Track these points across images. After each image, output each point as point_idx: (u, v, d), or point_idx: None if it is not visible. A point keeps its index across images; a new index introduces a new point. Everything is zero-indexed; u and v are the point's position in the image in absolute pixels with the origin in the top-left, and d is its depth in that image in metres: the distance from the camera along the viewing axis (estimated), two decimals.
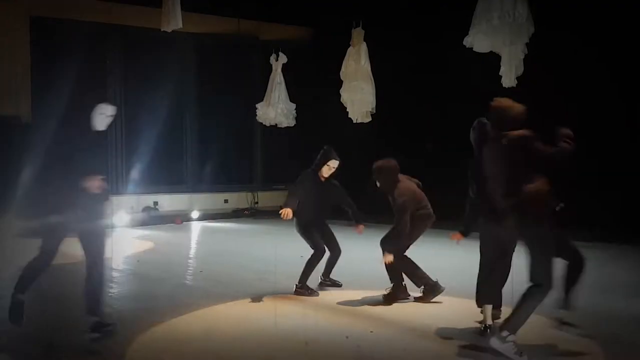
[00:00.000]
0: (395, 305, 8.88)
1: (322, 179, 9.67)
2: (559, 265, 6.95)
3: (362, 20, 16.07)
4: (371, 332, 7.45)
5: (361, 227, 9.69)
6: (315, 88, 20.06)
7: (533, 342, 6.82)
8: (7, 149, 16.66)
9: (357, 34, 16.09)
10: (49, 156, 7.39)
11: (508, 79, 11.34)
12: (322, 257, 9.56)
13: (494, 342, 6.41)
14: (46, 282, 10.58)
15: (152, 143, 19.98)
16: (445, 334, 7.38)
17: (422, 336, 7.34)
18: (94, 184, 7.10)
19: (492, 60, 11.48)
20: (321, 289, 9.71)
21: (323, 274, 9.91)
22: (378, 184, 8.97)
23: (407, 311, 8.51)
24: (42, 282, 10.57)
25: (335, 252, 9.78)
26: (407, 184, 8.97)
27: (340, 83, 16.16)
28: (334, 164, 9.63)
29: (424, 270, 9.07)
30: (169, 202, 21.27)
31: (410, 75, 17.78)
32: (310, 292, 9.42)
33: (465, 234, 7.86)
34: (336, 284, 9.89)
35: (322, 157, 9.66)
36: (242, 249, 14.35)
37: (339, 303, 9.00)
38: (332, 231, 9.84)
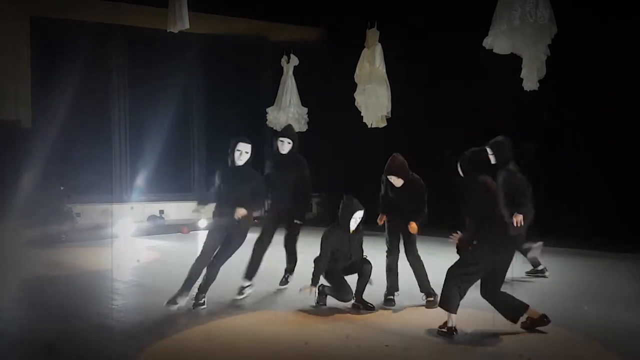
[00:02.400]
0: (404, 314, 8.98)
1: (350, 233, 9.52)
2: None
3: (377, 20, 16.09)
4: (386, 346, 7.50)
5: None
6: (328, 91, 20.12)
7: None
8: (6, 155, 16.74)
9: (372, 34, 16.11)
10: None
11: (530, 81, 11.36)
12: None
13: None
14: (46, 292, 10.75)
15: (158, 149, 20.07)
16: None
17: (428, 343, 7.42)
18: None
19: (513, 62, 11.51)
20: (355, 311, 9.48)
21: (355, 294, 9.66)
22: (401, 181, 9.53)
23: (417, 319, 8.57)
24: (43, 293, 10.72)
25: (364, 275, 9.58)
26: None
27: (354, 86, 16.18)
28: (359, 215, 9.46)
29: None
30: (175, 210, 21.34)
31: (427, 78, 17.78)
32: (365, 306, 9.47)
33: None
34: (368, 307, 9.44)
35: (347, 212, 9.45)
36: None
37: (346, 314, 9.10)
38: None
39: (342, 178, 20.63)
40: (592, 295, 10.34)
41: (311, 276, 9.24)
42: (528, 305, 8.00)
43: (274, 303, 9.71)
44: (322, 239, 9.42)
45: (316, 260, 9.37)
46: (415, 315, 9.13)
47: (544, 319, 7.90)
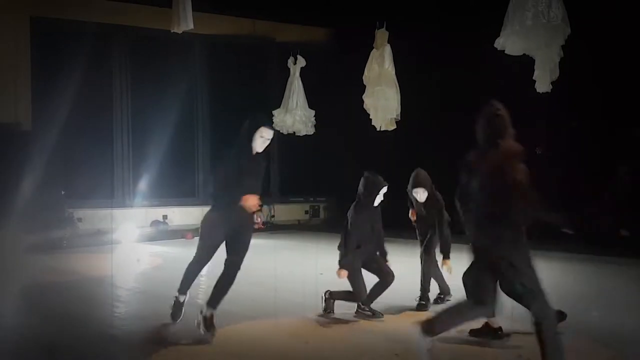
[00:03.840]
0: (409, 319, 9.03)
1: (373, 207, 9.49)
2: None
3: (386, 20, 16.12)
4: (396, 354, 7.53)
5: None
6: (336, 93, 20.15)
7: None
8: (6, 158, 16.75)
9: (381, 35, 16.15)
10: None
11: (543, 83, 11.37)
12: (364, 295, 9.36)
13: None
14: (47, 299, 10.79)
15: (161, 152, 20.10)
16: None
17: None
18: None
19: (526, 63, 11.53)
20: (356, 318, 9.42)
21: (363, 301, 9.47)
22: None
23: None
24: (43, 299, 10.77)
25: (388, 279, 9.43)
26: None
27: (362, 88, 16.22)
28: (385, 190, 9.41)
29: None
30: (179, 215, 21.35)
31: (437, 79, 17.78)
32: (374, 314, 9.27)
33: None
34: (377, 316, 9.32)
35: (375, 188, 9.36)
36: (257, 266, 14.25)
37: (360, 324, 9.09)
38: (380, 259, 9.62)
39: (350, 182, 20.63)
40: (599, 299, 10.39)
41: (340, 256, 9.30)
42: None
43: (279, 311, 9.73)
44: (350, 215, 9.38)
45: (347, 235, 9.30)
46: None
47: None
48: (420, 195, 9.72)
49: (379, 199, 9.38)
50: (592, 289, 11.48)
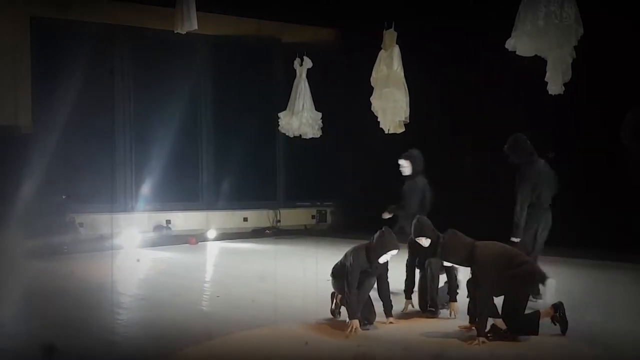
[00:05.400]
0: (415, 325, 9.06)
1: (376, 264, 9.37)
2: None
3: (395, 21, 16.12)
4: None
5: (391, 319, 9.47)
6: (343, 95, 20.17)
7: None
8: (5, 161, 16.77)
9: (389, 35, 16.14)
10: None
11: (555, 85, 11.37)
12: None
13: None
14: (47, 306, 10.84)
15: (164, 156, 20.09)
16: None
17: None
18: None
19: (537, 65, 11.55)
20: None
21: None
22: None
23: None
24: (44, 306, 10.81)
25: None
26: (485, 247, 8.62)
27: (370, 90, 16.22)
28: (394, 253, 9.24)
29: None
30: (182, 220, 21.36)
31: (447, 81, 17.77)
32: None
33: None
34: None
35: (384, 248, 9.15)
36: (263, 272, 14.42)
37: (369, 331, 9.11)
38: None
39: (358, 186, 20.68)
40: (593, 302, 10.43)
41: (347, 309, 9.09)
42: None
43: (297, 319, 9.73)
44: (352, 265, 9.12)
45: (349, 286, 9.01)
46: (424, 325, 9.21)
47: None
48: (424, 242, 9.78)
49: (385, 258, 9.21)
50: (582, 291, 11.50)
